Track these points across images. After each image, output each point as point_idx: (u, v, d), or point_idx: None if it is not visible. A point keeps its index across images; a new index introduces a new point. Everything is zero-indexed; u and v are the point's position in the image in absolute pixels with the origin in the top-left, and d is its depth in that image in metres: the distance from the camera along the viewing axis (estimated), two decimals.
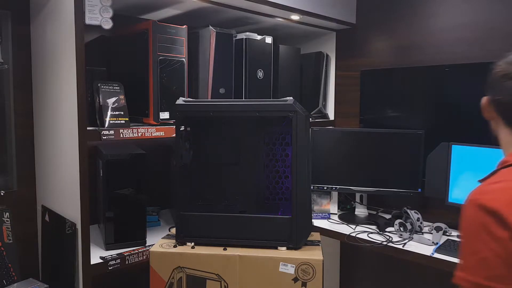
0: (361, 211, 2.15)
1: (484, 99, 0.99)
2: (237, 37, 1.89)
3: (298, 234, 1.41)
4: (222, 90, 1.84)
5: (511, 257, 0.79)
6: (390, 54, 2.20)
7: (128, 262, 1.49)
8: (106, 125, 1.43)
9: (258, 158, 1.56)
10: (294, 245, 1.41)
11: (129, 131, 1.45)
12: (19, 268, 1.51)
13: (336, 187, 2.10)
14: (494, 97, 0.95)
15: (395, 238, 1.81)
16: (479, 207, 0.83)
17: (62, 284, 1.48)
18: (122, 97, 1.50)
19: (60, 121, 1.46)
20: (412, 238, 1.79)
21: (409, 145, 1.99)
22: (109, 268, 1.44)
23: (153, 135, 1.52)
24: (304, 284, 1.35)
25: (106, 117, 1.44)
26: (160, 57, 1.57)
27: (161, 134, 1.54)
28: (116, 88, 1.51)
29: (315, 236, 1.54)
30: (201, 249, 1.41)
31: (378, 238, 1.83)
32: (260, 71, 1.95)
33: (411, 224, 1.84)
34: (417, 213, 1.88)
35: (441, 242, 1.73)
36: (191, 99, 1.51)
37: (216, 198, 1.57)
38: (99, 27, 1.37)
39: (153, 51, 1.56)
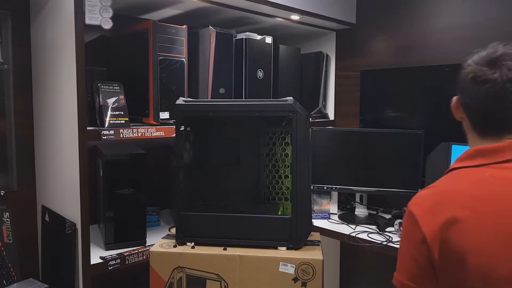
0: (361, 211, 2.15)
1: (454, 100, 0.98)
2: (237, 37, 1.89)
3: (298, 234, 1.41)
4: (222, 90, 1.84)
5: (422, 260, 0.84)
6: (390, 54, 2.20)
7: (128, 262, 1.49)
8: (106, 125, 1.43)
9: (258, 158, 1.56)
10: (294, 245, 1.41)
11: (129, 131, 1.45)
12: (19, 268, 1.51)
13: (336, 187, 2.10)
14: (464, 100, 0.93)
15: (395, 238, 1.81)
16: (408, 211, 0.89)
17: (62, 284, 1.48)
18: (122, 97, 1.50)
19: (60, 121, 1.46)
20: None
21: (409, 145, 1.99)
22: (109, 268, 1.44)
23: (153, 135, 1.52)
24: (304, 284, 1.35)
25: (106, 117, 1.44)
26: (160, 57, 1.57)
27: (161, 134, 1.54)
28: (116, 88, 1.51)
29: (315, 236, 1.54)
30: (201, 249, 1.41)
31: (378, 238, 1.83)
32: (260, 71, 1.95)
33: None
34: None
35: None
36: (191, 99, 1.51)
37: (216, 198, 1.57)
38: (99, 27, 1.37)
39: (153, 51, 1.56)
